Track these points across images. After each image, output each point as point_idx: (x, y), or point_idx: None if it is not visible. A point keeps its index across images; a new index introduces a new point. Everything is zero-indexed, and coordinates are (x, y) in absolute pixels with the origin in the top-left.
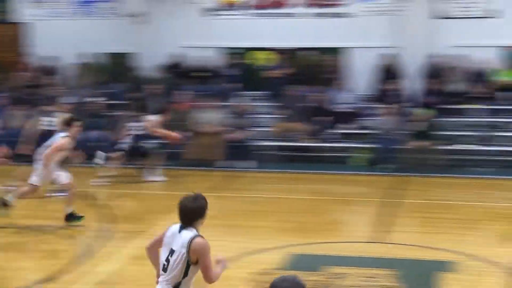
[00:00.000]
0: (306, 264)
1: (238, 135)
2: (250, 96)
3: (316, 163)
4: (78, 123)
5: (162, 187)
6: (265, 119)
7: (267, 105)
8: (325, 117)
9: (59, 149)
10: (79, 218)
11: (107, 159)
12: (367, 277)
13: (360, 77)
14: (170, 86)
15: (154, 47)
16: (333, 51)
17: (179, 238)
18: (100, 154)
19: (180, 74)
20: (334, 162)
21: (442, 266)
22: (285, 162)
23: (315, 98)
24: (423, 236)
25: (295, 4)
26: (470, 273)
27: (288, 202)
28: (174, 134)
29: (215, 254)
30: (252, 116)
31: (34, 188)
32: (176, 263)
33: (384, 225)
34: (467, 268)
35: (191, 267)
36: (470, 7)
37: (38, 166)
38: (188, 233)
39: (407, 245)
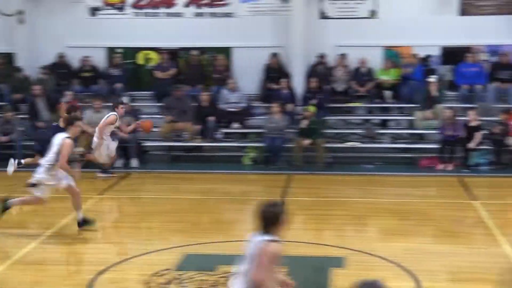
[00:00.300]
0: (200, 264)
1: (125, 135)
2: (137, 96)
3: (206, 162)
4: (79, 122)
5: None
6: (153, 120)
7: (155, 105)
8: (214, 117)
9: (68, 153)
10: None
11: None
12: None
13: (247, 77)
14: (54, 87)
15: (37, 47)
16: (221, 50)
17: (254, 243)
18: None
19: (65, 74)
20: (223, 161)
21: (332, 262)
22: (175, 162)
23: (203, 98)
24: (313, 233)
25: (182, 4)
26: (359, 268)
27: (178, 202)
28: (146, 122)
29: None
30: (138, 116)
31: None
32: (249, 266)
33: None
34: (356, 263)
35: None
36: (354, 8)
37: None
38: (262, 237)
39: (297, 242)
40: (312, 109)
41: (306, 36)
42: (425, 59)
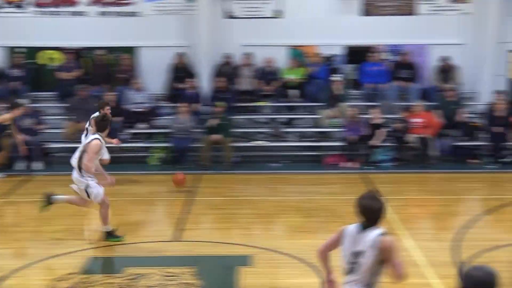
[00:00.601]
0: (107, 267)
1: (27, 137)
2: (40, 97)
3: (111, 163)
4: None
5: None
6: (55, 121)
7: (57, 106)
8: (119, 117)
9: (95, 153)
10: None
11: None
12: (167, 276)
13: (153, 76)
14: None
15: None
16: (126, 50)
17: (365, 238)
18: None
19: None
20: (130, 162)
21: (240, 260)
22: None
23: (109, 98)
24: (221, 232)
25: (85, 3)
26: (266, 266)
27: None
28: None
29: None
30: (41, 117)
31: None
32: (366, 264)
33: (183, 223)
34: (263, 261)
35: (381, 266)
36: (259, 7)
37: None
38: (374, 232)
39: (206, 241)
40: (221, 105)
41: (212, 36)
42: (330, 59)
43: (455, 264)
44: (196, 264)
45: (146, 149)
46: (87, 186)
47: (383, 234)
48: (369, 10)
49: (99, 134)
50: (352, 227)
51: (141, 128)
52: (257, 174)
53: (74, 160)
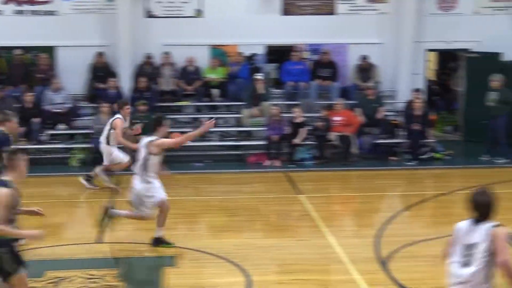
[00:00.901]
0: (28, 270)
1: None
2: None
3: (31, 165)
4: (168, 123)
5: None
6: None
7: None
8: (38, 118)
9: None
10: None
11: None
12: (90, 278)
13: (72, 76)
14: None
15: None
16: (45, 49)
17: (478, 231)
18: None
19: None
20: (50, 163)
21: (164, 261)
22: None
23: (27, 99)
24: (145, 233)
25: (0, 1)
26: (191, 266)
27: None
28: None
29: None
30: None
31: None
32: (481, 255)
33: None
34: (188, 261)
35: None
36: (180, 7)
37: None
38: (487, 225)
39: (128, 243)
40: (143, 103)
41: (132, 35)
42: (251, 58)
43: (377, 260)
44: (119, 266)
45: (66, 150)
46: (147, 191)
47: (496, 225)
48: (289, 9)
49: (156, 135)
50: (464, 222)
51: (61, 129)
52: (180, 174)
53: (137, 167)
